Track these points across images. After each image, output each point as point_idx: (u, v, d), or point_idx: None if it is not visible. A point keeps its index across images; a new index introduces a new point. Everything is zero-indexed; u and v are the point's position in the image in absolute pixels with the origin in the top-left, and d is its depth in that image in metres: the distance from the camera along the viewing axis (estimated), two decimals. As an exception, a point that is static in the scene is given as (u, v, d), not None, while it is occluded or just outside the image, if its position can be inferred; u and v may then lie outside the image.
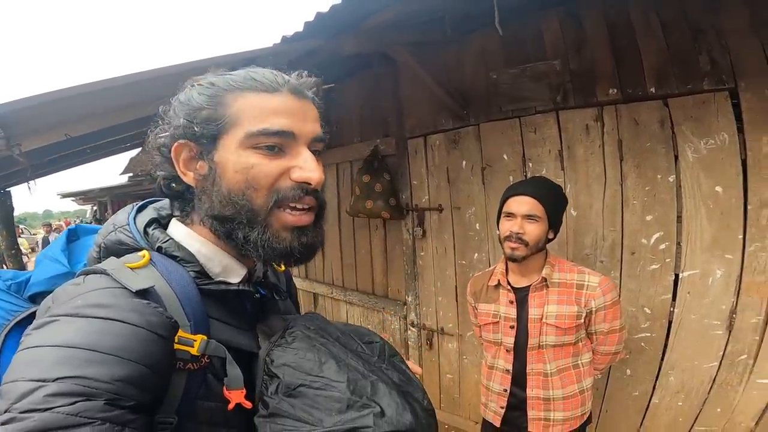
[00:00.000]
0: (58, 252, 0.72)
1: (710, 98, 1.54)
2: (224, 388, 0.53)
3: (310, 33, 1.78)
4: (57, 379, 0.40)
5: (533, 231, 1.43)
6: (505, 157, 2.09)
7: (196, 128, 0.55)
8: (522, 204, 1.45)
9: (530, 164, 2.01)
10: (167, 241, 0.58)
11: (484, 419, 1.68)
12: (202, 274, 0.57)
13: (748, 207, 1.49)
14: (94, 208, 12.92)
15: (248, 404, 0.54)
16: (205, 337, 0.52)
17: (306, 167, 0.55)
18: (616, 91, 1.75)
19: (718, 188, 1.54)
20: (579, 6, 1.81)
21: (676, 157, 1.63)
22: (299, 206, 0.56)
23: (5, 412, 0.38)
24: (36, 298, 0.66)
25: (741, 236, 1.52)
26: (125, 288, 0.50)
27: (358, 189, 2.60)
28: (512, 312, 1.52)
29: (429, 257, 2.54)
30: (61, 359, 0.42)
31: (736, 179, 1.51)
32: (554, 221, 1.48)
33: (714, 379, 1.63)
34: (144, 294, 0.50)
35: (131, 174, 5.49)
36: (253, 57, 1.78)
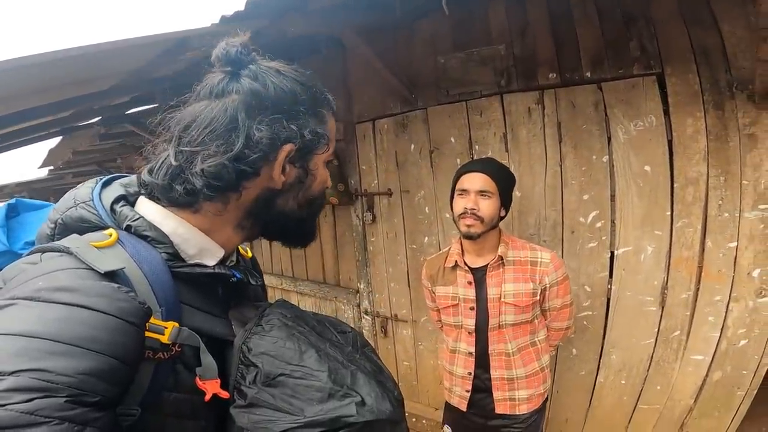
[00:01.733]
0: None
1: (639, 82, 1.62)
2: (197, 378, 0.51)
3: (253, 12, 1.66)
4: (14, 372, 0.36)
5: (487, 207, 1.44)
6: (452, 140, 2.11)
7: (306, 136, 0.57)
8: (475, 180, 1.46)
9: (476, 146, 2.03)
10: (137, 219, 0.54)
11: (448, 405, 1.68)
12: (174, 256, 0.54)
13: (675, 185, 1.60)
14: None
15: (225, 394, 0.52)
16: (176, 324, 0.50)
17: (328, 177, 0.68)
18: (555, 75, 1.80)
19: (647, 167, 1.64)
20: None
21: (609, 139, 1.70)
22: None
23: None
24: None
25: (669, 213, 1.62)
26: (92, 269, 0.45)
27: (305, 175, 2.52)
28: (471, 293, 1.52)
29: (380, 243, 2.52)
30: (20, 350, 0.38)
31: (663, 159, 1.61)
32: (505, 198, 1.51)
33: (652, 357, 1.71)
34: (113, 276, 0.46)
35: (51, 167, 4.94)
36: (186, 37, 1.64)
